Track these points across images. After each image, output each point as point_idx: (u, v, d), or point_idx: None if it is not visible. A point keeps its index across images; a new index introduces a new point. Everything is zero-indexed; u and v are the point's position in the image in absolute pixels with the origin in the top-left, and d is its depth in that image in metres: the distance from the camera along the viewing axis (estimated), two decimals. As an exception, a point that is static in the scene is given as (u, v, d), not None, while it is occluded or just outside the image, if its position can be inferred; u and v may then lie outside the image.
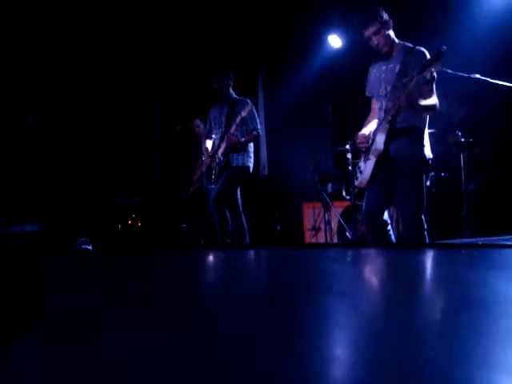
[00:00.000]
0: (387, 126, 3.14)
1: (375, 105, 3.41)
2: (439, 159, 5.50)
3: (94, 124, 6.73)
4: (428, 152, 3.23)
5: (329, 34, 6.31)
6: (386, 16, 3.24)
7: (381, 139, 3.16)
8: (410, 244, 3.02)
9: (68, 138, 6.43)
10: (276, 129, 7.30)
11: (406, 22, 5.76)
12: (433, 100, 3.13)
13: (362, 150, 3.37)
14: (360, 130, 3.41)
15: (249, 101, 4.78)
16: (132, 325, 0.90)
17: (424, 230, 3.21)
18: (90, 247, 5.24)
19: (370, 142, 3.27)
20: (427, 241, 3.33)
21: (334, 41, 6.31)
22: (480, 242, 3.60)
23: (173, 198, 6.30)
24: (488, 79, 3.77)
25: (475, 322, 0.84)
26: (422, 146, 3.20)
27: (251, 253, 2.88)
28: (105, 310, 1.07)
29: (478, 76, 3.78)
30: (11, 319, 0.73)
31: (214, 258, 2.65)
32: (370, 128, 3.37)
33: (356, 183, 3.41)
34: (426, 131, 3.25)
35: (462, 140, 4.86)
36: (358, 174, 3.34)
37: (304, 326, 0.87)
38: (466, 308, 0.97)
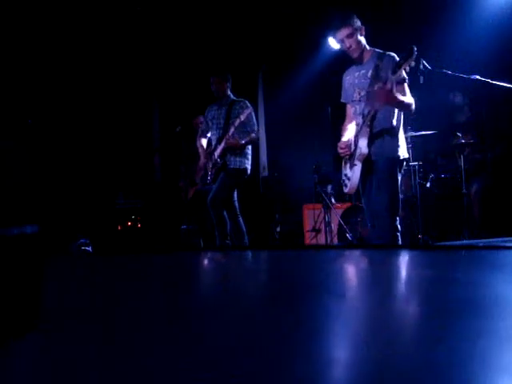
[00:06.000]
0: (367, 129, 3.22)
1: (350, 110, 3.49)
2: (440, 161, 5.52)
3: (94, 126, 6.73)
4: (402, 152, 3.31)
5: (329, 35, 6.31)
6: (359, 23, 3.34)
7: (363, 143, 3.23)
8: (411, 245, 3.02)
9: (68, 140, 6.43)
10: (276, 130, 7.30)
11: (406, 22, 5.77)
12: (408, 98, 3.17)
13: (345, 158, 3.40)
14: (340, 138, 3.47)
15: (248, 103, 4.73)
16: (132, 325, 0.90)
17: (398, 231, 3.21)
18: (89, 248, 5.24)
19: (353, 148, 3.31)
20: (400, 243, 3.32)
21: (334, 42, 6.31)
22: (481, 244, 3.61)
23: (172, 199, 6.29)
24: (488, 80, 3.77)
25: (475, 322, 0.84)
26: (397, 146, 3.28)
27: (251, 254, 2.89)
28: (104, 310, 1.06)
29: (477, 77, 3.78)
30: (11, 319, 0.73)
31: (214, 258, 2.65)
32: (348, 135, 3.43)
33: (346, 190, 3.44)
34: (401, 132, 3.33)
35: (463, 141, 4.87)
36: (347, 181, 3.38)
37: (303, 327, 0.87)
38: (466, 309, 0.97)
